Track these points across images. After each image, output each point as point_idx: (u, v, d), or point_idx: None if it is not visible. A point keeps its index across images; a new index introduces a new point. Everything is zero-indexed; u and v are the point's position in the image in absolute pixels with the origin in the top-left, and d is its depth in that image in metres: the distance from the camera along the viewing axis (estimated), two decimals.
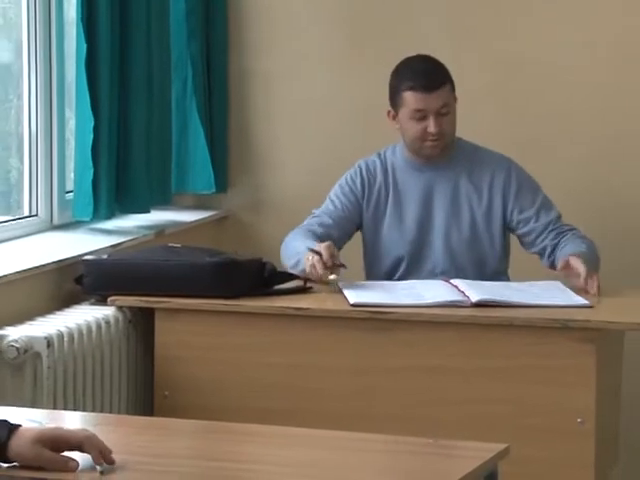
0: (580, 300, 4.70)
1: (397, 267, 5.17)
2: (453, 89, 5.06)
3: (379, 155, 5.26)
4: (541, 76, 5.93)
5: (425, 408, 4.58)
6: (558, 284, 4.90)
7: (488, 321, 4.66)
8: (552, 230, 5.06)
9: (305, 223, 5.20)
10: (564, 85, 5.87)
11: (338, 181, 5.27)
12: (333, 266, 4.85)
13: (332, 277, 4.82)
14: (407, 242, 5.13)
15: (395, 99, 5.06)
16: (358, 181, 5.21)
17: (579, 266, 4.78)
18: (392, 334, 4.74)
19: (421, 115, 4.97)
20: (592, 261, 4.94)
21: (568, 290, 4.83)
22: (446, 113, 5.00)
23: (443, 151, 5.07)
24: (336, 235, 5.12)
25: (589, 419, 4.51)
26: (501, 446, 3.21)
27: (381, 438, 3.47)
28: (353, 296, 4.81)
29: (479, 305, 4.69)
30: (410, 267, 5.13)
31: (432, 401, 4.66)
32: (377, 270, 5.25)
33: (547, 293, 4.83)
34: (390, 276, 5.19)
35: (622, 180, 5.74)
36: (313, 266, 4.78)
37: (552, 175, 5.53)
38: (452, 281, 4.95)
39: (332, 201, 5.22)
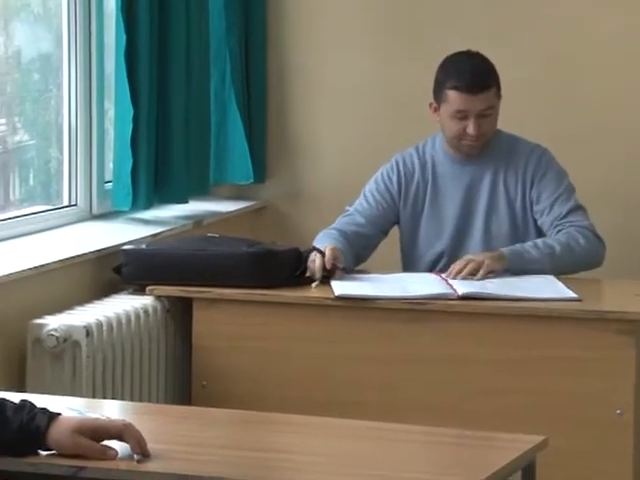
0: (569, 293, 4.68)
1: (437, 262, 5.14)
2: (499, 90, 5.02)
3: (417, 149, 5.22)
4: (578, 71, 5.90)
5: (462, 399, 4.57)
6: (551, 278, 4.86)
7: (525, 312, 4.64)
8: (556, 226, 5.00)
9: (337, 222, 5.19)
10: (600, 80, 5.82)
11: (374, 175, 5.24)
12: (333, 269, 4.86)
13: (314, 284, 4.84)
14: (447, 237, 5.11)
15: (438, 94, 5.02)
16: (395, 178, 5.17)
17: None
18: (426, 325, 4.73)
19: (462, 115, 4.94)
20: (525, 260, 4.92)
21: (559, 283, 4.80)
22: (488, 115, 4.98)
23: (481, 149, 5.06)
24: (369, 234, 5.14)
25: (628, 410, 4.49)
26: (539, 438, 3.23)
27: (420, 429, 3.44)
28: (338, 288, 4.81)
29: (465, 298, 4.67)
30: (450, 262, 5.03)
31: (469, 392, 4.65)
32: (417, 266, 5.22)
33: (535, 286, 4.80)
34: (430, 272, 5.12)
35: None
36: (313, 261, 4.83)
37: (587, 169, 5.49)
38: (443, 275, 4.94)
39: (366, 198, 5.20)
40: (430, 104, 5.04)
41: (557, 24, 5.90)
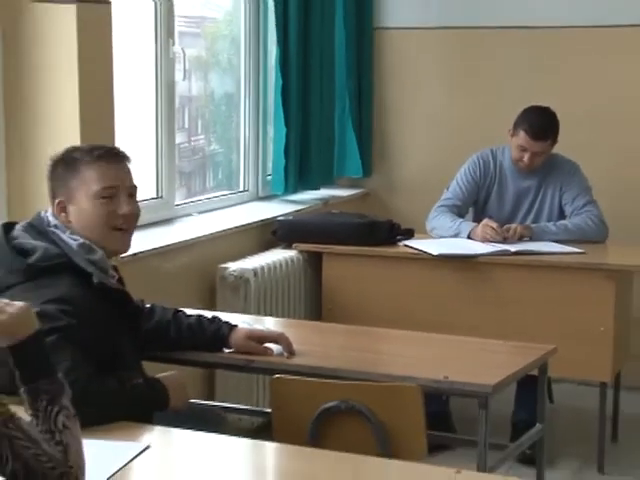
0: (576, 249, 4.61)
1: None
2: (554, 141, 4.81)
3: (492, 151, 5.00)
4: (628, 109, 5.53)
5: (503, 320, 4.48)
6: (559, 245, 4.72)
7: (548, 264, 4.56)
8: (575, 213, 4.82)
9: (443, 203, 4.97)
10: None
11: (461, 169, 5.02)
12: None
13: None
14: (502, 215, 4.92)
15: (515, 127, 4.82)
16: (477, 172, 4.95)
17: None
18: (478, 273, 4.64)
19: (523, 149, 4.77)
20: (545, 232, 4.81)
21: (567, 247, 4.67)
22: (540, 155, 4.78)
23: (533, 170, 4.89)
24: (462, 209, 4.95)
25: (609, 328, 4.42)
26: (551, 346, 3.30)
27: (475, 340, 3.46)
28: (433, 249, 4.68)
29: (516, 254, 4.59)
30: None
31: (508, 313, 4.56)
32: None
33: (556, 247, 4.68)
34: None
35: None
36: (490, 229, 4.66)
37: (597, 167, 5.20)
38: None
39: (460, 187, 4.96)
40: (509, 130, 4.84)
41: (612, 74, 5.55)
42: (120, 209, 2.90)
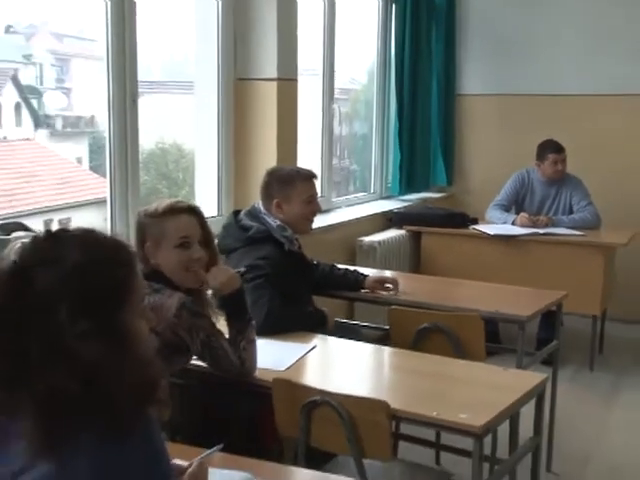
0: (579, 233, 4.47)
1: None
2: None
3: (526, 171, 4.81)
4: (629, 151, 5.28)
5: (530, 277, 4.25)
6: (570, 230, 4.55)
7: (562, 241, 4.45)
8: (579, 210, 4.68)
9: (496, 202, 4.82)
10: None
11: (508, 181, 4.86)
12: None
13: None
14: (533, 213, 4.70)
15: (541, 155, 4.68)
16: (517, 184, 4.80)
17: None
18: (518, 246, 4.53)
19: (555, 162, 4.64)
20: (561, 222, 4.59)
21: (575, 231, 4.51)
22: (564, 161, 4.64)
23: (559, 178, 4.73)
24: (508, 209, 4.78)
25: (598, 282, 4.43)
26: (563, 292, 3.25)
27: (515, 288, 3.36)
28: (490, 231, 4.58)
29: (545, 234, 4.46)
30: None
31: (533, 271, 4.46)
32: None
33: (568, 230, 4.53)
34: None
35: None
36: (526, 219, 4.57)
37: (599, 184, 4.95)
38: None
39: (506, 192, 4.82)
40: (536, 163, 4.71)
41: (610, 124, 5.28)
42: (315, 208, 2.96)
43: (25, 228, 2.45)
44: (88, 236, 1.18)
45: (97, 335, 1.10)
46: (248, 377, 2.21)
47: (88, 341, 1.09)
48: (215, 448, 1.53)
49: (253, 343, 2.20)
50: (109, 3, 3.08)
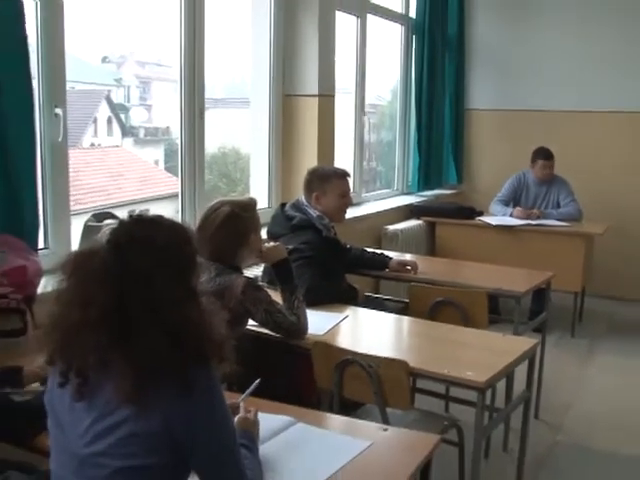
0: (566, 224, 4.38)
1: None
2: (554, 161, 4.60)
3: (522, 173, 4.72)
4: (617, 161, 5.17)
5: (523, 258, 4.21)
6: (558, 222, 4.44)
7: (549, 231, 4.37)
8: (564, 205, 4.60)
9: (498, 198, 4.74)
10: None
11: (507, 181, 4.77)
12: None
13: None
14: (527, 207, 4.61)
15: (533, 160, 4.60)
16: (515, 183, 4.71)
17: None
18: (515, 235, 4.45)
19: (544, 166, 4.56)
20: (550, 215, 4.48)
21: (563, 223, 4.42)
22: (552, 167, 4.57)
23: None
24: (508, 204, 4.66)
25: (579, 264, 4.36)
26: (551, 273, 3.18)
27: (512, 269, 3.28)
28: (493, 222, 4.50)
29: (537, 225, 4.38)
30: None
31: (527, 253, 4.34)
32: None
33: (556, 222, 4.42)
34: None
35: None
36: (521, 212, 4.50)
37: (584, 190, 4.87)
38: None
39: (506, 190, 4.73)
40: (530, 164, 4.64)
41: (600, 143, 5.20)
42: (348, 201, 2.93)
43: (114, 217, 2.51)
44: (164, 220, 1.20)
45: (186, 299, 1.13)
46: (303, 336, 2.19)
47: (181, 304, 1.12)
48: (255, 383, 1.55)
49: (303, 303, 2.19)
50: (184, 37, 3.14)
